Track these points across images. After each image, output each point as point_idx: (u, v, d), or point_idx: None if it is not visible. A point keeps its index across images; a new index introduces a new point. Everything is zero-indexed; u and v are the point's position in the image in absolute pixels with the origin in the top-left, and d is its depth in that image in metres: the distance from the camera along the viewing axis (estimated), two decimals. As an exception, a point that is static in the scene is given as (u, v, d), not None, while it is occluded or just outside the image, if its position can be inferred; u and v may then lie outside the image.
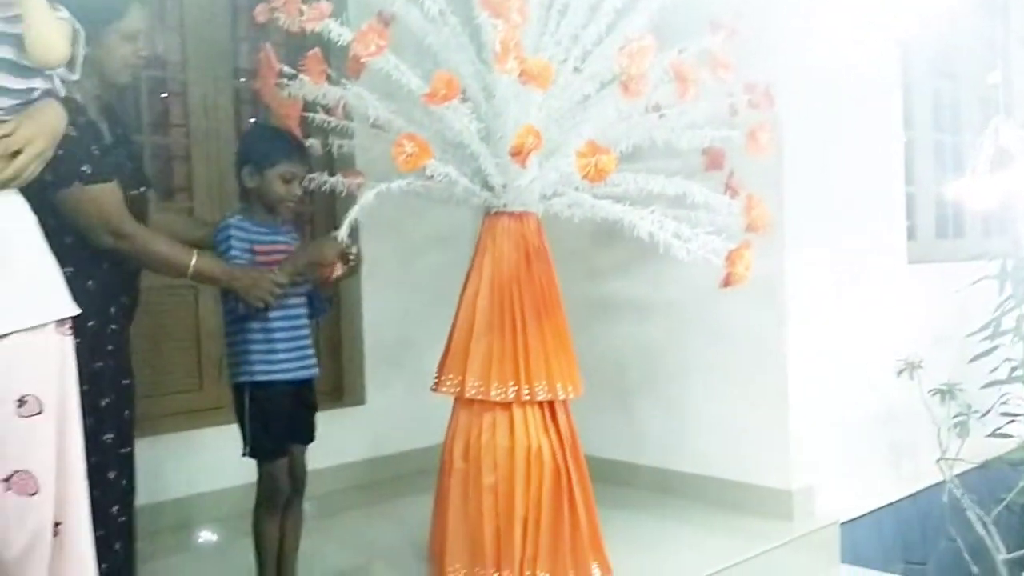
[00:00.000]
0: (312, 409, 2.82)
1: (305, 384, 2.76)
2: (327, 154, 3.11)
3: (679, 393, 3.86)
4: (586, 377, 3.99)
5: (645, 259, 3.89)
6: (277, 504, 2.70)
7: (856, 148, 3.88)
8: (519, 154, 2.33)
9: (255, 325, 2.62)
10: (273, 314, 2.61)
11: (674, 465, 3.85)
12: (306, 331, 2.76)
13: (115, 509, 2.42)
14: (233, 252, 2.57)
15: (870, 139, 3.98)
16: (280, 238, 2.75)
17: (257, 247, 2.64)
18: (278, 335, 2.65)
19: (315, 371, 2.78)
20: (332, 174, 3.06)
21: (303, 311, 2.76)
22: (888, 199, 4.10)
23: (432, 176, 2.65)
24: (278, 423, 2.66)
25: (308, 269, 2.66)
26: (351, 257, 2.74)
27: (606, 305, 4.12)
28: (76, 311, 1.70)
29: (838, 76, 3.74)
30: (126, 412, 2.52)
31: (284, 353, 2.66)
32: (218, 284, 2.53)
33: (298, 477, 2.80)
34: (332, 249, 2.64)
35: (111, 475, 2.42)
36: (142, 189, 2.53)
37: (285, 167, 2.66)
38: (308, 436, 2.83)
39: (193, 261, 2.42)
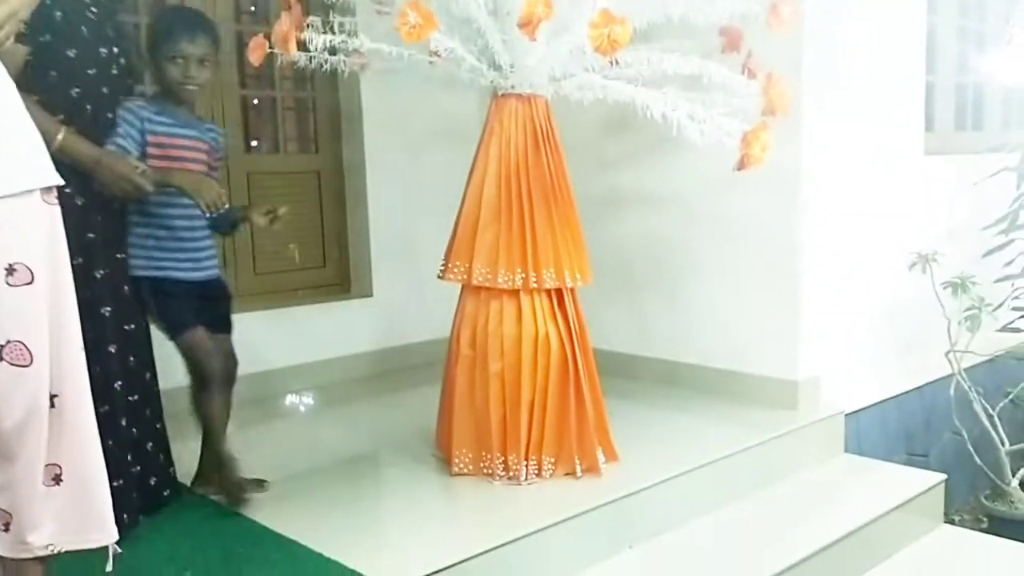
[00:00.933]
0: (220, 302, 2.79)
1: (205, 284, 2.71)
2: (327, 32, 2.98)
3: (687, 286, 3.82)
4: (597, 270, 3.95)
5: (656, 151, 3.80)
6: (205, 382, 2.66)
7: (877, 34, 3.72)
8: (528, 24, 2.23)
9: (147, 220, 2.57)
10: (169, 215, 2.58)
11: (681, 357, 3.84)
12: (203, 238, 2.71)
13: (119, 385, 2.42)
14: (117, 136, 2.45)
15: (891, 25, 3.82)
16: (187, 131, 2.62)
17: (153, 137, 2.52)
18: (168, 237, 2.60)
19: (211, 273, 2.74)
20: (333, 54, 2.92)
21: (203, 221, 2.68)
22: (907, 88, 3.96)
23: (437, 53, 2.56)
24: (177, 305, 2.62)
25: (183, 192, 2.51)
26: (272, 216, 2.78)
27: (616, 198, 4.05)
28: (60, 181, 1.64)
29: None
30: (124, 287, 2.49)
31: (174, 253, 2.61)
32: (83, 166, 2.31)
33: (225, 365, 2.76)
34: (210, 193, 2.48)
35: (111, 349, 2.40)
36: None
37: (171, 47, 2.53)
38: (221, 326, 2.78)
39: (60, 135, 2.23)
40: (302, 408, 3.82)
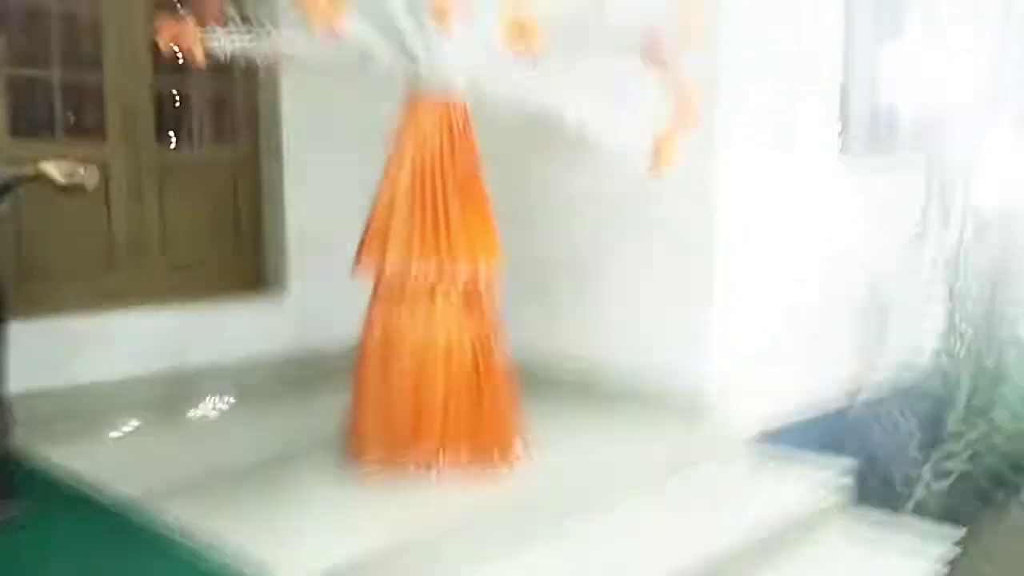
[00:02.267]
0: None
1: None
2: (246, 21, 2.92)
3: (605, 288, 3.84)
4: (513, 277, 3.96)
5: (575, 153, 3.80)
6: None
7: (794, 38, 3.76)
8: (442, 14, 2.21)
9: None
10: None
11: (598, 358, 3.85)
12: None
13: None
14: None
15: (808, 28, 3.87)
16: None
17: None
18: None
19: None
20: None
21: None
22: (823, 93, 4.03)
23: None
24: None
25: None
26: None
27: (534, 202, 4.04)
28: None
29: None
30: None
31: None
32: None
33: None
34: None
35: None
36: None
37: None
38: None
39: None
40: (213, 409, 3.72)
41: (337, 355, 3.99)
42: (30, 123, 3.55)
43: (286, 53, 2.64)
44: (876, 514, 3.47)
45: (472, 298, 2.84)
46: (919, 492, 3.88)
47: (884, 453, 3.89)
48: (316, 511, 2.69)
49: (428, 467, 2.77)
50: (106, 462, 2.97)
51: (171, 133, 4.00)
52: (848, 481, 3.45)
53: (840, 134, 4.21)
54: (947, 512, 3.90)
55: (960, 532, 3.73)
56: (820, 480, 3.35)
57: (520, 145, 4.01)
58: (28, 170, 2.45)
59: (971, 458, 3.95)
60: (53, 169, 2.42)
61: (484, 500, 2.61)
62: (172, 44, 2.55)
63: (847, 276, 3.80)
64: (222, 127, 4.14)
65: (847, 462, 3.50)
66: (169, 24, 2.55)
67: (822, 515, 3.32)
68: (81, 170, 2.45)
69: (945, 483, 3.93)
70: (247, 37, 2.51)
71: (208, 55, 2.56)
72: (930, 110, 4.80)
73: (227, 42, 2.49)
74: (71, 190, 2.41)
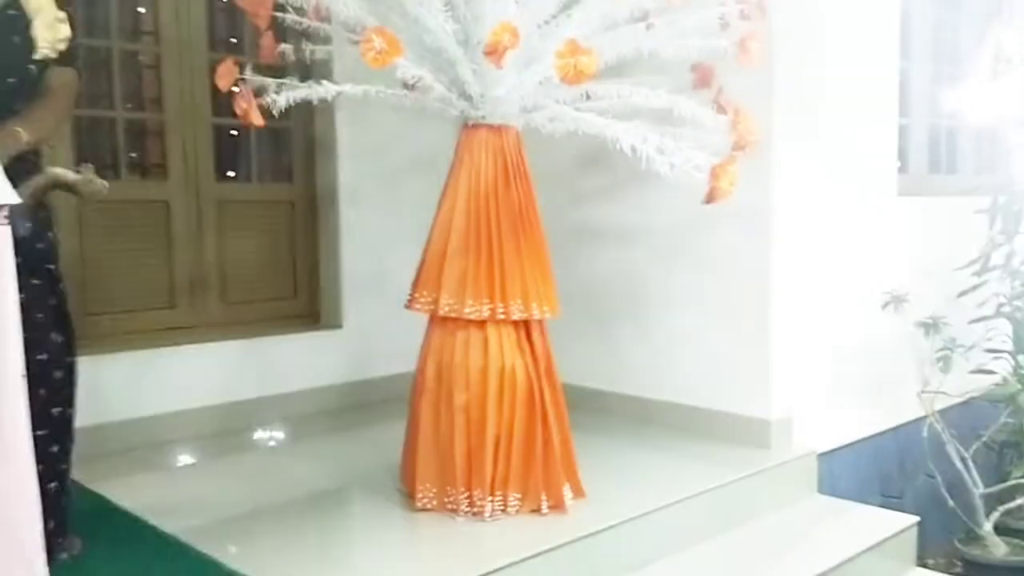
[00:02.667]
0: None
1: None
2: (304, 63, 2.97)
3: (660, 321, 3.79)
4: (567, 304, 3.93)
5: (630, 185, 3.80)
6: None
7: (850, 75, 3.75)
8: (495, 52, 2.22)
9: None
10: None
11: (653, 393, 3.81)
12: None
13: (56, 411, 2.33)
14: None
15: (865, 66, 3.85)
16: None
17: None
18: None
19: None
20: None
21: None
22: (880, 129, 3.99)
23: (411, 84, 2.55)
24: None
25: None
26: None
27: (589, 231, 4.04)
28: (16, 199, 1.60)
29: (835, -3, 3.62)
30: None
31: None
32: None
33: None
34: None
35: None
36: None
37: None
38: None
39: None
40: (269, 441, 3.75)
41: (392, 388, 4.02)
42: (95, 162, 3.62)
43: (341, 95, 2.66)
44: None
45: (527, 334, 2.81)
46: (997, 512, 3.76)
47: (953, 475, 3.75)
48: (364, 549, 2.67)
49: (480, 508, 2.73)
50: (165, 496, 3.00)
51: (230, 171, 4.08)
52: (915, 520, 3.33)
53: (899, 164, 4.16)
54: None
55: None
56: (885, 529, 3.23)
57: (576, 174, 4.03)
58: (40, 179, 2.36)
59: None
60: (64, 174, 2.39)
61: (536, 546, 2.55)
62: (229, 94, 2.58)
63: (908, 305, 3.69)
64: (279, 163, 4.20)
65: (911, 512, 3.40)
66: (225, 70, 2.58)
67: (890, 558, 3.21)
68: (93, 177, 2.43)
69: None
70: (302, 88, 2.52)
71: (265, 114, 2.57)
72: (991, 137, 4.73)
73: (282, 97, 2.50)
74: (86, 196, 2.40)
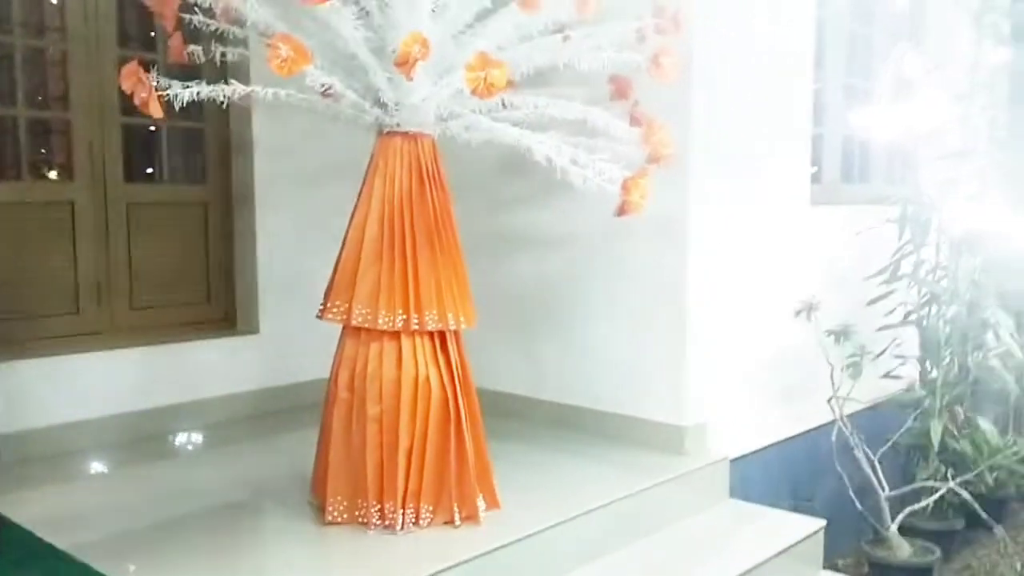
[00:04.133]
0: None
1: None
2: (216, 64, 2.88)
3: (578, 328, 3.81)
4: (487, 311, 3.92)
5: (549, 193, 3.81)
6: None
7: (765, 87, 3.82)
8: (405, 64, 2.19)
9: None
10: None
11: (571, 400, 3.82)
12: None
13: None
14: None
15: (780, 78, 3.93)
16: None
17: None
18: None
19: None
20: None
21: None
22: (795, 139, 4.07)
23: (323, 89, 2.50)
24: None
25: None
26: None
27: (509, 238, 4.03)
28: None
29: (750, 11, 3.67)
30: None
31: None
32: None
33: None
34: None
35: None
36: None
37: None
38: None
39: None
40: (180, 451, 3.65)
41: (310, 394, 3.95)
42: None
43: (250, 97, 2.59)
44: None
45: (442, 344, 2.79)
46: (903, 514, 3.88)
47: (862, 478, 3.87)
48: (270, 566, 2.62)
49: (392, 521, 2.70)
50: (62, 509, 2.89)
51: (141, 171, 3.95)
52: (822, 524, 3.41)
53: (813, 173, 4.26)
54: (930, 534, 4.01)
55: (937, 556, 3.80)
56: (794, 533, 3.30)
57: (497, 183, 4.02)
58: None
59: (951, 479, 3.96)
60: None
61: (447, 559, 2.53)
62: (132, 92, 2.50)
63: (820, 313, 3.78)
64: (193, 164, 4.09)
65: (820, 515, 3.49)
66: (130, 71, 2.49)
67: (798, 562, 3.29)
68: None
69: (928, 503, 3.96)
70: (207, 86, 2.45)
71: (167, 107, 2.49)
72: (901, 148, 4.88)
73: (186, 92, 2.42)
74: None
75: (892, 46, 3.99)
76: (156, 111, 2.48)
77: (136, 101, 2.49)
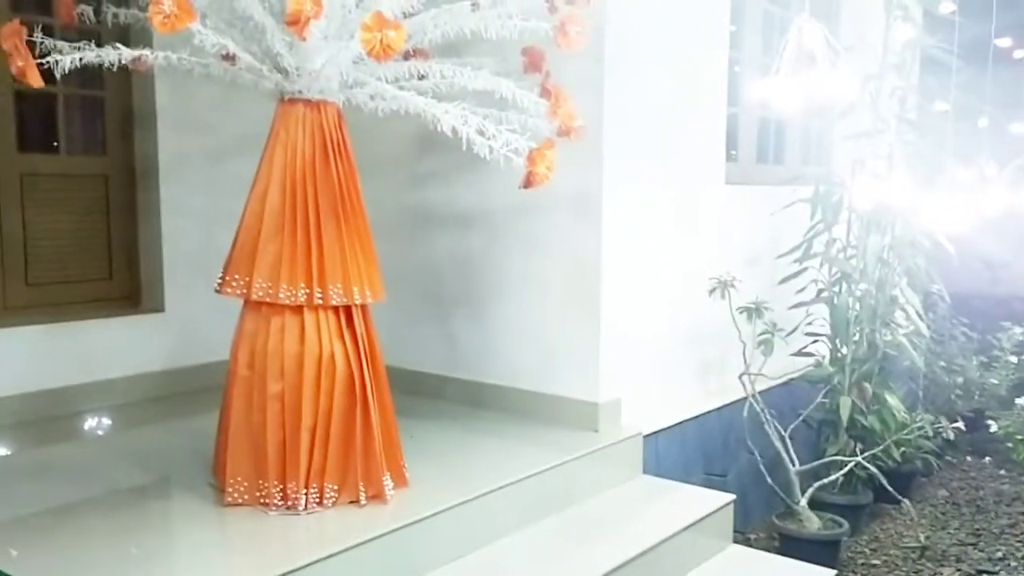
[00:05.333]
0: None
1: None
2: (118, 30, 2.75)
3: (493, 305, 3.77)
4: (402, 288, 3.87)
5: (465, 168, 3.75)
6: None
7: (680, 64, 3.82)
8: (296, 23, 2.10)
9: None
10: None
11: (485, 377, 3.79)
12: None
13: None
14: None
15: (695, 55, 3.94)
16: None
17: None
18: None
19: None
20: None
21: None
22: (709, 118, 4.09)
23: (218, 52, 2.39)
24: None
25: None
26: None
27: (425, 214, 3.96)
28: None
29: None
30: None
31: None
32: None
33: None
34: None
35: None
36: None
37: None
38: None
39: None
40: (78, 433, 3.50)
41: (218, 375, 3.82)
42: None
43: (142, 62, 2.47)
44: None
45: (348, 319, 2.72)
46: (812, 488, 3.95)
47: (774, 453, 3.92)
48: (166, 550, 2.51)
49: (294, 501, 2.63)
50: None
51: (36, 141, 3.76)
52: (731, 498, 3.45)
53: (729, 153, 4.29)
54: (839, 507, 4.09)
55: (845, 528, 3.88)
56: (704, 507, 3.33)
57: (413, 157, 3.95)
58: None
59: (860, 453, 4.03)
60: None
61: (350, 539, 2.48)
62: (10, 55, 2.35)
63: (734, 291, 3.82)
64: (91, 134, 3.91)
65: (731, 489, 3.53)
66: (10, 31, 2.35)
67: (708, 536, 3.32)
68: None
69: (838, 477, 4.02)
70: (92, 50, 2.32)
71: (51, 70, 2.36)
72: (816, 129, 4.95)
73: (66, 59, 2.29)
74: None
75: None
76: (35, 80, 2.35)
77: (13, 69, 2.36)
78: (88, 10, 2.73)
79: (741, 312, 3.88)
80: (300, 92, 2.62)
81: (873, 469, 4.05)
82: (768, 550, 3.79)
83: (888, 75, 4.25)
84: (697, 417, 3.97)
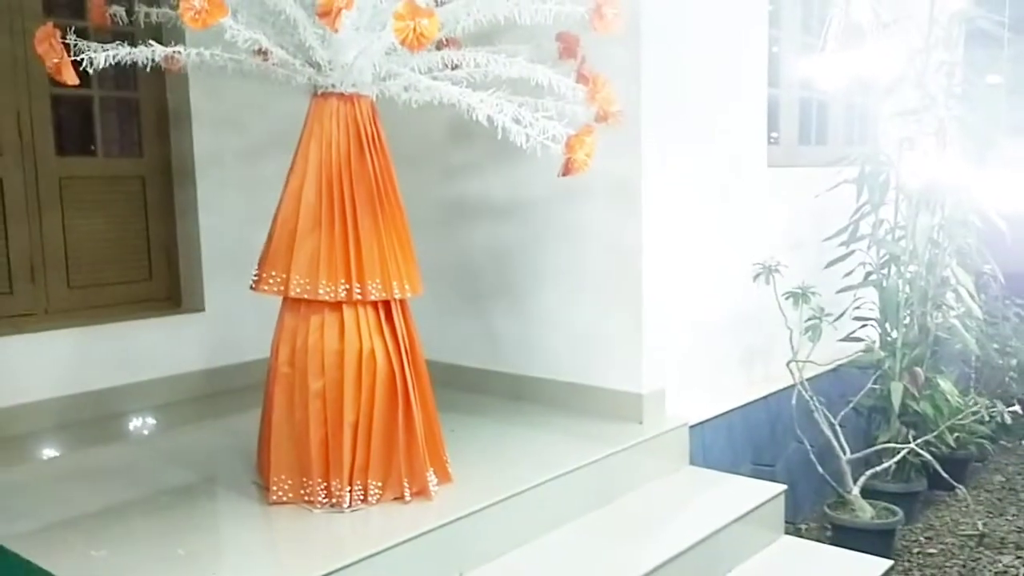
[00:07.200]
0: None
1: None
2: (152, 29, 2.74)
3: (532, 297, 3.72)
4: (440, 282, 3.84)
5: (501, 159, 3.70)
6: None
7: (720, 45, 3.74)
8: (328, 14, 2.06)
9: None
10: None
11: (526, 370, 3.74)
12: None
13: None
14: None
15: (734, 36, 3.84)
16: None
17: None
18: None
19: None
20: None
21: None
22: (750, 99, 3.99)
23: (251, 47, 2.37)
24: None
25: None
26: None
27: (461, 206, 3.92)
28: None
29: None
30: None
31: None
32: None
33: None
34: None
35: None
36: None
37: None
38: None
39: None
40: (122, 434, 3.51)
41: (258, 373, 3.82)
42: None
43: (177, 60, 2.45)
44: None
45: (387, 314, 2.68)
46: (864, 476, 3.85)
47: (823, 442, 3.83)
48: (213, 550, 2.51)
49: (338, 498, 2.60)
50: (3, 495, 2.76)
51: (74, 144, 3.78)
52: (782, 488, 3.37)
53: (770, 135, 4.19)
54: (892, 495, 3.97)
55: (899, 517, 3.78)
56: (754, 498, 3.25)
57: (447, 149, 3.91)
58: None
59: (912, 440, 3.92)
60: None
61: (396, 536, 2.45)
62: (45, 58, 2.35)
63: (779, 276, 3.73)
64: (128, 136, 3.92)
65: (781, 479, 3.45)
66: (44, 34, 2.34)
67: (759, 527, 3.24)
68: None
69: (890, 465, 3.92)
70: (125, 48, 2.31)
71: (87, 71, 2.35)
72: (860, 108, 4.82)
73: (100, 56, 2.28)
74: None
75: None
76: (70, 77, 2.34)
77: (48, 67, 2.35)
78: (120, 11, 2.71)
79: (787, 297, 3.79)
80: (333, 86, 2.59)
81: (927, 456, 3.94)
82: (820, 541, 3.71)
83: (934, 49, 4.11)
84: (744, 406, 3.89)
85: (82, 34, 2.45)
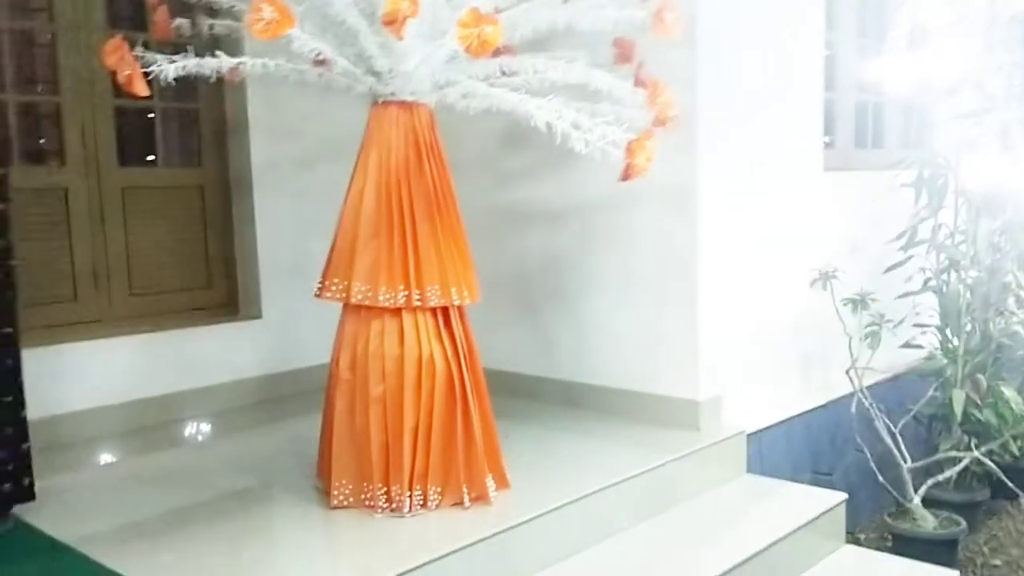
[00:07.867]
0: None
1: None
2: (209, 41, 2.79)
3: (587, 303, 3.71)
4: (494, 289, 3.83)
5: (555, 165, 3.71)
6: None
7: (775, 48, 3.70)
8: (394, 22, 2.08)
9: None
10: None
11: (581, 377, 3.73)
12: None
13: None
14: None
15: (790, 39, 3.80)
16: None
17: None
18: None
19: None
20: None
21: None
22: (806, 103, 3.95)
23: (313, 56, 2.40)
24: None
25: None
26: None
27: (515, 213, 3.93)
28: None
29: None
30: None
31: None
32: None
33: None
34: None
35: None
36: None
37: None
38: None
39: None
40: (183, 439, 3.57)
41: (314, 379, 3.87)
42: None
43: (240, 71, 2.49)
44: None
45: (446, 320, 2.70)
46: (926, 485, 3.79)
47: (882, 450, 3.76)
48: (276, 553, 2.54)
49: (399, 503, 2.62)
50: (62, 501, 2.82)
51: (135, 155, 3.86)
52: (843, 497, 3.31)
53: (826, 139, 4.14)
54: (953, 505, 3.89)
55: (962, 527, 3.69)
56: (814, 507, 3.21)
57: (501, 155, 3.92)
58: None
59: (974, 448, 3.86)
60: None
61: (457, 541, 2.45)
62: (115, 69, 2.41)
63: (836, 282, 3.67)
64: (187, 146, 4.00)
65: (840, 488, 3.39)
66: (113, 47, 2.40)
67: (820, 536, 3.19)
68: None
69: (952, 474, 3.85)
70: (194, 59, 2.36)
71: (151, 83, 2.40)
72: (917, 110, 4.74)
73: (171, 68, 2.33)
74: None
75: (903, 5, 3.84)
76: (141, 89, 2.40)
77: (120, 79, 2.42)
78: (185, 24, 2.77)
79: (845, 304, 3.73)
80: (393, 94, 2.61)
81: (990, 464, 3.85)
82: (880, 550, 3.63)
83: (995, 50, 4.03)
84: (801, 414, 3.84)
85: (144, 47, 2.51)
